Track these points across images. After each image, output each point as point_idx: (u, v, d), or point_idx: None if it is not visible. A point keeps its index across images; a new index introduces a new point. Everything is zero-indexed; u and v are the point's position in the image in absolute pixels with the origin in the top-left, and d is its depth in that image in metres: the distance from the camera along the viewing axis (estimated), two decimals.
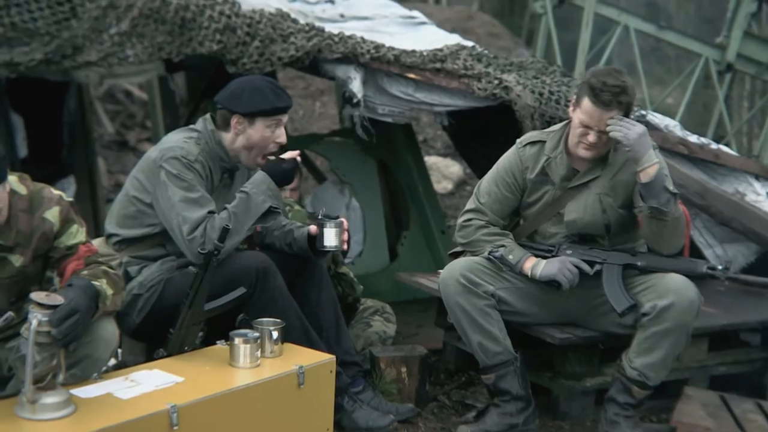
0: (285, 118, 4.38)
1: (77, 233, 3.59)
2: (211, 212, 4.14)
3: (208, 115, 4.41)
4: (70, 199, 3.65)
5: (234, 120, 4.29)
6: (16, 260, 3.47)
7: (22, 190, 3.50)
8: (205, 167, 4.27)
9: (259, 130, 4.29)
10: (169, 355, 3.85)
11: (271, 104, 4.28)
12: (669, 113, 9.20)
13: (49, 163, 7.24)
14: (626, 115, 4.26)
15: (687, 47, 10.51)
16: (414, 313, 6.19)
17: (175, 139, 4.32)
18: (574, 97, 4.36)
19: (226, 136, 4.33)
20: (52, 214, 3.53)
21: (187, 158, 4.19)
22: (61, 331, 3.13)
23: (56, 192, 3.60)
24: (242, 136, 4.30)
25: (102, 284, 3.43)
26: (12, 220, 3.44)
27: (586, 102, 4.22)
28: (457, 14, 15.46)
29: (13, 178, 3.48)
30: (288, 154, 4.35)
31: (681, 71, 12.18)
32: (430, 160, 10.33)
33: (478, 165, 6.87)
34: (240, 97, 4.30)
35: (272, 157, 4.34)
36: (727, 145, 7.80)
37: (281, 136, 4.35)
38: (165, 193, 4.16)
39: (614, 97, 4.19)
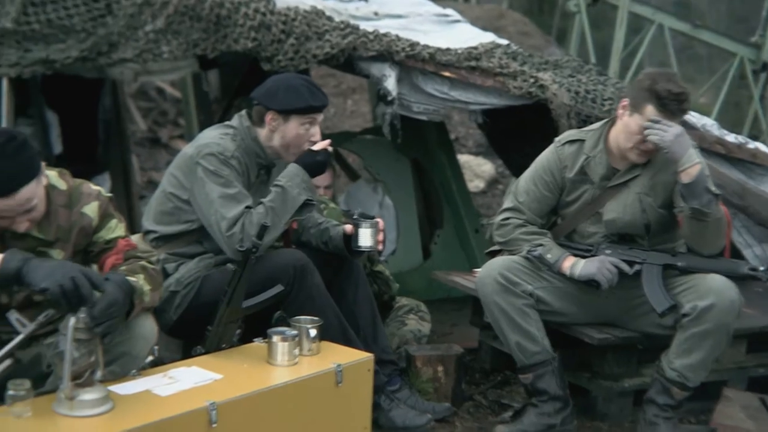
0: (320, 117, 4.37)
1: (116, 228, 3.59)
2: (248, 207, 4.14)
3: (243, 112, 4.41)
4: (109, 194, 3.65)
5: (269, 116, 4.29)
6: (57, 255, 3.47)
7: (62, 185, 3.51)
8: (241, 163, 4.26)
9: (293, 128, 4.28)
10: (206, 352, 3.84)
11: (306, 102, 4.27)
12: (702, 113, 9.14)
13: (84, 159, 7.26)
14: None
15: (722, 46, 10.44)
16: (448, 312, 6.17)
17: (212, 136, 4.32)
18: (627, 100, 4.31)
19: (262, 133, 4.32)
20: (91, 209, 3.53)
21: (223, 154, 4.19)
22: (99, 323, 3.13)
23: (95, 187, 3.61)
24: (277, 133, 4.30)
25: (139, 280, 3.44)
26: (52, 216, 3.45)
27: (651, 110, 4.18)
28: (487, 12, 15.38)
29: (53, 174, 3.49)
30: (319, 145, 4.33)
31: (712, 70, 12.11)
32: (462, 158, 10.29)
33: (514, 163, 6.84)
34: (276, 94, 4.30)
35: (309, 149, 4.33)
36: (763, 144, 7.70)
37: (316, 135, 4.33)
38: (202, 190, 4.16)
39: (680, 106, 4.19)
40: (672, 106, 4.15)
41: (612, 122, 4.42)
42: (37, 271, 3.15)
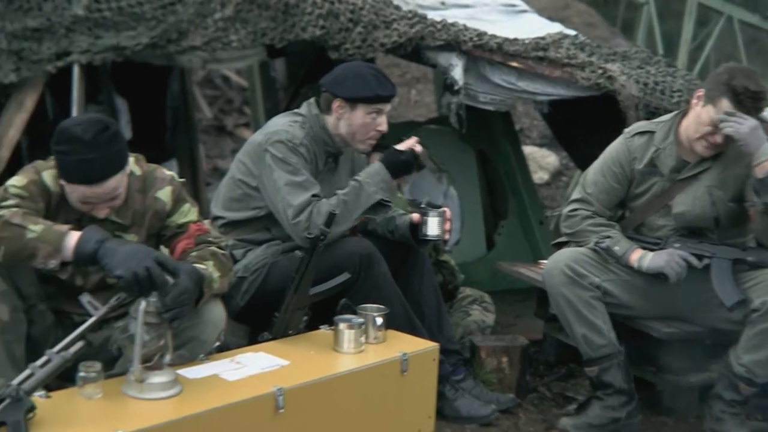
0: (387, 106, 4.35)
1: (188, 212, 3.64)
2: (315, 195, 4.15)
3: (312, 99, 4.42)
4: (182, 179, 3.70)
5: (336, 104, 4.30)
6: (131, 238, 3.53)
7: (138, 170, 3.58)
8: (309, 151, 4.28)
9: (359, 117, 4.28)
10: (273, 339, 3.86)
11: (374, 92, 4.26)
12: None
13: (153, 146, 7.32)
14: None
15: None
16: (511, 303, 6.16)
17: (281, 123, 4.34)
18: (702, 91, 4.26)
19: (330, 120, 4.33)
20: (165, 194, 3.59)
21: (292, 142, 4.21)
22: (169, 310, 3.16)
23: (168, 172, 3.67)
24: (343, 120, 4.31)
25: (209, 267, 3.47)
26: (129, 201, 3.52)
27: (726, 104, 4.13)
28: (553, 3, 15.25)
29: (130, 159, 3.53)
30: (404, 144, 4.33)
31: None
32: (526, 149, 10.22)
33: (578, 155, 6.79)
34: (344, 81, 4.30)
35: (393, 148, 4.33)
36: None
37: (382, 125, 4.33)
38: (270, 177, 4.18)
39: (755, 103, 4.14)
40: (747, 103, 4.10)
41: (683, 114, 4.37)
42: (112, 257, 3.18)
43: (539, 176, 10.01)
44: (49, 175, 3.42)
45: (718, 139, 4.17)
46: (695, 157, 4.31)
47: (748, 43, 13.51)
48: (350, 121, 4.29)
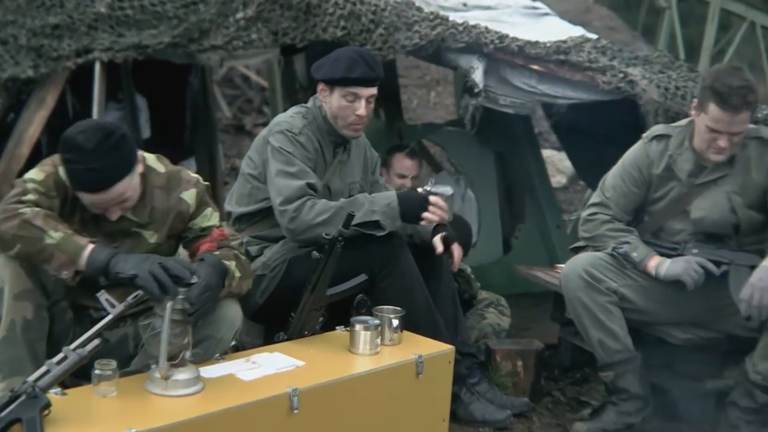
0: (365, 91, 4.28)
1: (211, 216, 3.66)
2: (309, 185, 4.16)
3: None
4: (206, 183, 3.72)
5: (319, 87, 4.34)
6: (150, 236, 3.55)
7: (161, 168, 3.59)
8: (311, 140, 4.29)
9: (336, 99, 4.28)
10: (289, 339, 3.87)
11: (342, 74, 4.24)
12: None
13: (172, 144, 7.34)
14: (754, 112, 4.16)
15: None
16: (527, 307, 6.14)
17: (284, 116, 4.41)
18: (695, 100, 4.28)
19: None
20: (189, 196, 3.61)
21: (291, 131, 4.24)
22: (196, 307, 3.20)
23: (193, 175, 3.68)
24: (326, 104, 4.33)
25: (231, 266, 3.50)
26: (147, 197, 3.52)
27: (714, 108, 4.12)
28: (575, 6, 15.25)
29: (150, 157, 3.57)
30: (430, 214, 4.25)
31: None
32: (545, 153, 10.18)
33: (581, 163, 6.79)
34: (323, 65, 4.34)
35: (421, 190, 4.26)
36: None
37: (360, 109, 4.28)
38: (269, 166, 4.23)
39: (743, 99, 4.10)
40: (734, 100, 4.07)
41: None
42: (126, 261, 3.23)
43: (557, 180, 10.00)
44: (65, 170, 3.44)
45: (722, 143, 4.16)
46: (712, 162, 4.30)
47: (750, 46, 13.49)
48: (330, 105, 4.31)
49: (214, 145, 7.86)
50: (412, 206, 4.17)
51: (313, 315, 3.91)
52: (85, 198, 3.37)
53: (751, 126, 4.36)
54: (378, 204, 4.14)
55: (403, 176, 5.93)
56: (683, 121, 4.48)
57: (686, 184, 4.35)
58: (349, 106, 4.27)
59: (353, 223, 3.94)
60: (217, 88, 10.68)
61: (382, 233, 4.10)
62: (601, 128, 6.06)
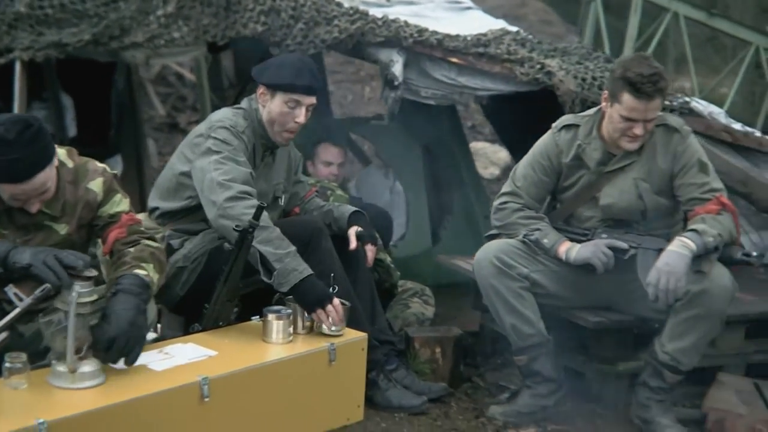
0: (307, 99, 4.35)
1: (120, 202, 3.71)
2: (252, 177, 4.22)
3: (253, 95, 4.48)
4: (114, 171, 3.78)
5: (259, 91, 4.38)
6: (62, 229, 3.59)
7: (70, 163, 3.63)
8: (249, 142, 4.35)
9: (277, 105, 4.33)
10: (204, 330, 3.93)
11: (288, 80, 4.30)
12: (721, 103, 9.12)
13: (98, 142, 7.35)
14: (664, 98, 4.26)
15: (737, 35, 10.37)
16: (455, 297, 6.18)
17: (225, 113, 4.44)
18: (606, 92, 4.38)
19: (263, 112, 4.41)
20: (96, 185, 3.65)
21: (235, 128, 4.29)
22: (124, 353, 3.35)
23: (100, 165, 3.73)
24: (266, 109, 4.38)
25: (149, 272, 3.55)
26: (60, 192, 3.57)
27: (627, 97, 4.21)
28: (508, 1, 15.38)
29: (62, 152, 3.61)
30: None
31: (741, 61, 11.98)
32: (478, 145, 10.32)
33: (518, 150, 6.87)
34: (267, 69, 4.39)
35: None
36: None
37: (300, 116, 4.34)
38: (207, 159, 4.21)
39: (654, 86, 4.20)
40: (646, 88, 4.17)
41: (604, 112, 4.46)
42: (23, 253, 3.33)
43: (490, 171, 10.08)
44: None
45: (638, 131, 4.26)
46: (621, 150, 4.40)
47: (705, 41, 13.67)
48: (270, 109, 4.36)
49: (141, 143, 7.86)
50: (312, 293, 3.97)
51: (227, 306, 3.97)
52: (6, 189, 3.41)
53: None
54: (290, 263, 3.97)
55: (329, 164, 6.00)
56: (591, 111, 4.57)
57: (595, 172, 4.45)
58: (290, 112, 4.33)
59: (260, 248, 3.92)
60: (150, 87, 10.66)
61: (264, 278, 3.96)
62: (533, 117, 6.15)
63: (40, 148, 3.39)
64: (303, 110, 4.34)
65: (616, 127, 4.31)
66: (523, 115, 6.27)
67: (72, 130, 7.58)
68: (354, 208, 4.63)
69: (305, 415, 3.78)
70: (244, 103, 4.48)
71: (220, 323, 3.97)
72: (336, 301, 3.96)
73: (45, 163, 3.41)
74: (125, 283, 3.44)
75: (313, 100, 4.37)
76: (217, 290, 3.93)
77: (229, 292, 3.94)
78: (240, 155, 4.24)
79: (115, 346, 3.30)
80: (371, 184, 7.08)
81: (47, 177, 3.44)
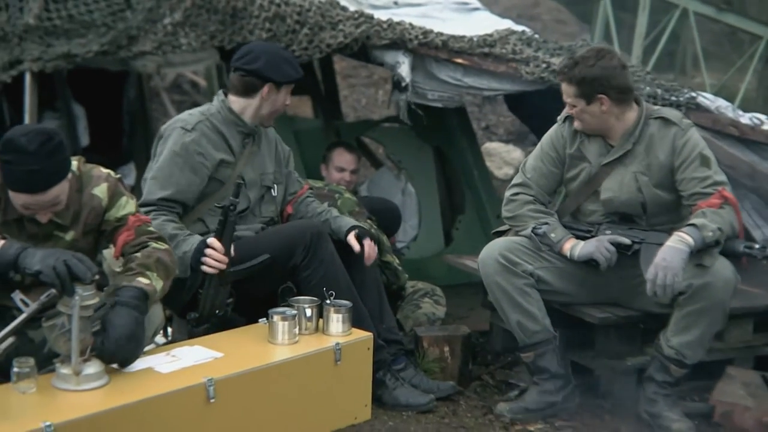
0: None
1: (126, 205, 3.75)
2: (179, 192, 4.32)
3: (220, 91, 4.63)
4: (118, 175, 3.83)
5: (266, 88, 4.48)
6: (68, 235, 3.65)
7: (76, 172, 3.68)
8: (207, 133, 4.42)
9: (284, 96, 4.55)
10: (201, 317, 4.06)
11: (294, 75, 4.56)
12: (732, 96, 9.10)
13: (110, 151, 7.42)
14: (581, 87, 4.37)
15: (747, 29, 10.38)
16: (467, 297, 6.21)
17: (183, 113, 4.61)
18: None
19: (239, 102, 4.50)
20: (101, 190, 3.70)
21: (185, 128, 4.39)
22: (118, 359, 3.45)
23: (104, 170, 3.78)
24: (268, 102, 4.52)
25: (152, 280, 3.60)
26: (70, 201, 3.62)
27: (564, 86, 4.45)
28: (522, 1, 15.39)
29: (73, 163, 3.65)
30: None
31: (752, 55, 11.98)
32: (492, 146, 10.35)
33: None
34: (275, 67, 4.51)
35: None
36: None
37: (288, 100, 4.63)
38: (160, 156, 4.39)
39: (564, 74, 4.40)
40: (560, 75, 4.48)
41: None
42: (33, 257, 3.36)
43: (504, 172, 10.10)
44: None
45: (568, 108, 4.47)
46: (617, 141, 4.43)
47: (722, 36, 13.63)
48: (275, 103, 4.52)
49: None
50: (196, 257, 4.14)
51: (221, 291, 4.07)
52: (21, 199, 3.47)
53: (654, 106, 4.56)
54: (192, 250, 4.15)
55: (342, 169, 6.06)
56: None
57: (595, 164, 4.48)
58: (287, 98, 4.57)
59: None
60: (165, 94, 10.75)
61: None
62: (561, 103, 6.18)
63: (59, 161, 3.46)
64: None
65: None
66: (550, 101, 6.28)
67: (84, 140, 7.65)
68: (351, 223, 4.67)
69: (312, 415, 3.82)
70: (214, 100, 4.60)
71: (217, 311, 4.08)
72: (211, 240, 4.07)
73: (61, 177, 3.48)
74: (125, 296, 3.50)
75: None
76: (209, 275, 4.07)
77: (220, 275, 4.05)
78: (176, 174, 4.33)
79: (112, 362, 3.42)
80: (383, 187, 7.12)
81: (61, 190, 3.51)
